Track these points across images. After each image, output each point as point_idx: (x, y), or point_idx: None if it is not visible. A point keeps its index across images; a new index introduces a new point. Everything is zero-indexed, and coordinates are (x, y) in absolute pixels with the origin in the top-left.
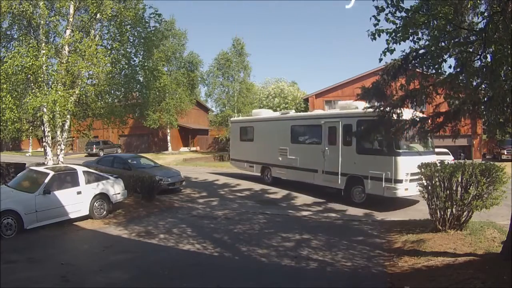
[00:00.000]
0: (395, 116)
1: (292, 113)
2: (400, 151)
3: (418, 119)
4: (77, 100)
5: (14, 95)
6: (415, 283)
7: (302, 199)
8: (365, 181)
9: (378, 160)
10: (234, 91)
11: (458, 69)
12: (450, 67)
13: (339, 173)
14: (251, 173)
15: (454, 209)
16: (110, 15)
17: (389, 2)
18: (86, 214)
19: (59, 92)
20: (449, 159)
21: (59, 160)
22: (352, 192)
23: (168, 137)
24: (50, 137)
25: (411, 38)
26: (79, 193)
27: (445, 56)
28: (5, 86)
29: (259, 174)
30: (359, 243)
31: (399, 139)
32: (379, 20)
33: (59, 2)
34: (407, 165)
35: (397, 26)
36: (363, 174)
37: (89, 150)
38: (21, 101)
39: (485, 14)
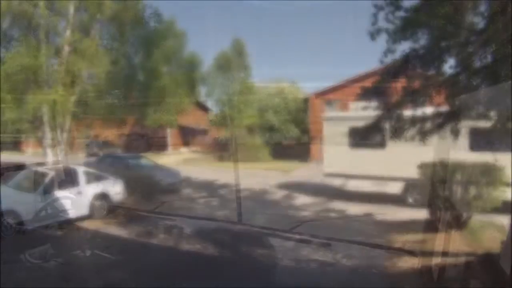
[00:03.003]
0: None
1: None
2: None
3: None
4: (77, 100)
5: (14, 95)
6: (415, 283)
7: (302, 199)
8: None
9: None
10: (234, 91)
11: (458, 69)
12: (450, 67)
13: None
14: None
15: (454, 209)
16: (110, 15)
17: (388, 1)
18: (86, 214)
19: (59, 92)
20: None
21: (59, 160)
22: None
23: (168, 137)
24: (50, 137)
25: (411, 38)
26: (79, 193)
27: (445, 56)
28: (5, 86)
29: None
30: (359, 243)
31: None
32: (378, 20)
33: (59, 2)
34: None
35: (397, 26)
36: None
37: (89, 150)
38: (21, 101)
39: (485, 14)
